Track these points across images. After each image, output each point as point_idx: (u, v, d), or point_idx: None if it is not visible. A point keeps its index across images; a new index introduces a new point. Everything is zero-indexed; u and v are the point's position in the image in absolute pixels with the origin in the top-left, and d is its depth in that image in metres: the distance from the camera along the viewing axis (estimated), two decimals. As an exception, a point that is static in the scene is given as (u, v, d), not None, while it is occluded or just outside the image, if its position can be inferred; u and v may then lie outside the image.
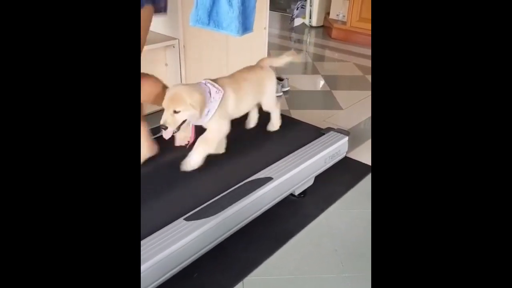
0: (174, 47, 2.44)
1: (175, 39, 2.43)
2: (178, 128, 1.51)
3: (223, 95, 1.57)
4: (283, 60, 1.84)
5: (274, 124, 1.94)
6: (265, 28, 2.99)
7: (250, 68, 1.77)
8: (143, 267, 1.17)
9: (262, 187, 1.55)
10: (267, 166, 1.66)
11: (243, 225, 1.50)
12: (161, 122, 1.47)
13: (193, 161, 1.59)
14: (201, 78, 2.56)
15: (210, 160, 1.63)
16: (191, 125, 1.68)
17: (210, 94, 1.55)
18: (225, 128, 1.64)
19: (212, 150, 1.62)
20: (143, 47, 1.57)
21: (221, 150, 1.72)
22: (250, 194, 1.51)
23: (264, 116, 1.93)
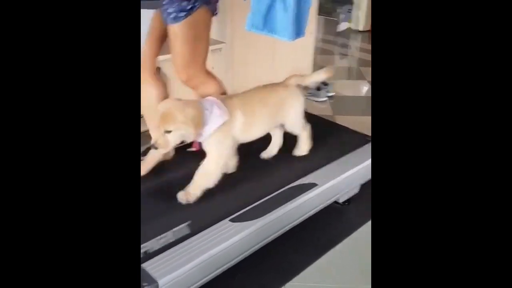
0: (221, 50, 2.48)
1: (222, 42, 2.47)
2: (174, 147, 1.38)
3: (228, 120, 1.42)
4: (314, 78, 1.71)
5: (301, 148, 1.73)
6: (311, 33, 2.98)
7: (270, 87, 1.62)
8: (189, 265, 1.20)
9: (307, 192, 1.54)
10: (312, 172, 1.65)
11: (287, 229, 1.50)
12: (152, 142, 1.35)
13: (190, 196, 1.43)
14: (247, 81, 2.60)
15: (257, 163, 1.62)
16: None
17: (212, 113, 1.39)
18: (226, 153, 1.48)
19: (212, 184, 1.45)
20: (207, 50, 1.60)
21: (230, 170, 1.59)
22: (295, 199, 1.50)
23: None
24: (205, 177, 1.45)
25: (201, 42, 1.53)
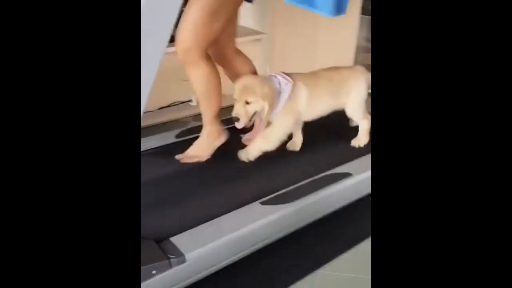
0: (261, 41, 2.48)
1: (263, 33, 2.46)
2: (250, 119, 1.49)
3: (293, 87, 1.51)
4: None
5: (359, 139, 1.73)
6: (353, 29, 2.92)
7: (336, 67, 1.67)
8: (216, 243, 1.20)
9: (340, 181, 1.50)
10: (348, 161, 1.60)
11: (318, 218, 1.46)
12: (233, 114, 1.47)
13: (249, 154, 1.55)
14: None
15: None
16: (259, 123, 1.62)
17: (280, 85, 1.50)
18: (289, 125, 1.56)
19: (271, 147, 1.55)
20: (234, 35, 1.60)
21: (296, 147, 1.68)
22: (327, 187, 1.46)
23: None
24: (265, 141, 1.55)
25: (219, 18, 1.42)
